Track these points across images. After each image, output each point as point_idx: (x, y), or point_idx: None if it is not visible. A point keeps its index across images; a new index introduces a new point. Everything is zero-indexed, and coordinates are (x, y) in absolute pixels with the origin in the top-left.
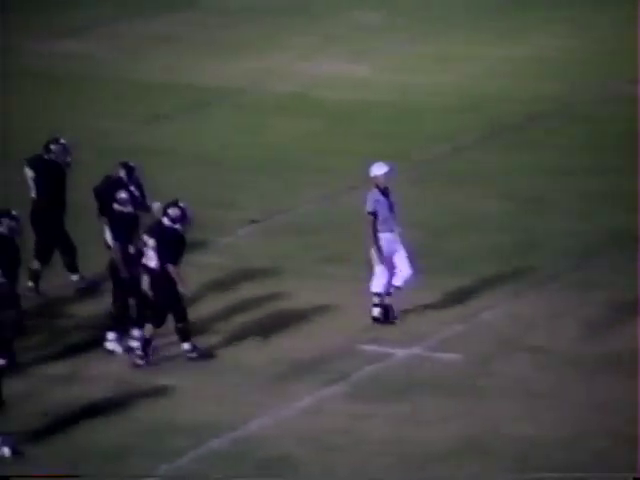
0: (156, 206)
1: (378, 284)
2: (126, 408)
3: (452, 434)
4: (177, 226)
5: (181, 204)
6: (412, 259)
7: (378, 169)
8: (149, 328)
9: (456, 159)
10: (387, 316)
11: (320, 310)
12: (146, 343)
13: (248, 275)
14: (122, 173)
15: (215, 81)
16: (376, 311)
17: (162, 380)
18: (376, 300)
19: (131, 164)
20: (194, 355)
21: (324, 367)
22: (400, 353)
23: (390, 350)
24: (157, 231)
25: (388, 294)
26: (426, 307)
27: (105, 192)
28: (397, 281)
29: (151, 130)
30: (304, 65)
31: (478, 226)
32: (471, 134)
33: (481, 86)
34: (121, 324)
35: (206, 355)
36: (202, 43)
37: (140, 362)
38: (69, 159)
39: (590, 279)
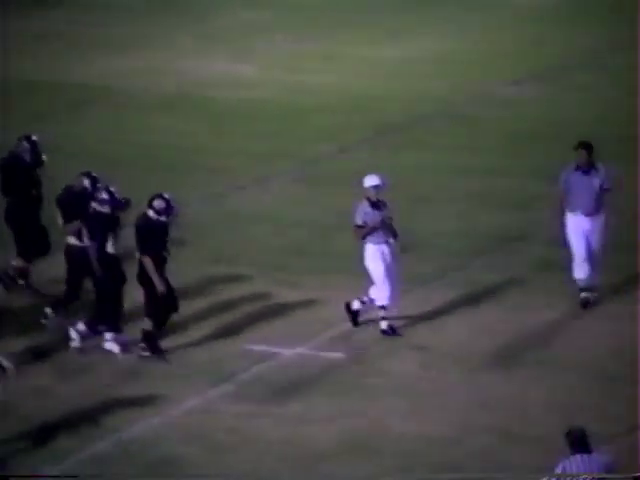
0: None
1: (382, 297)
2: (6, 407)
3: (341, 433)
4: (162, 218)
5: (165, 195)
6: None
7: (367, 181)
8: (148, 322)
9: (341, 159)
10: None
11: (207, 310)
12: (148, 336)
13: (134, 277)
14: (86, 183)
15: (98, 80)
16: (384, 324)
17: (43, 380)
18: (382, 314)
19: (94, 174)
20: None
21: (211, 367)
22: (287, 353)
23: (277, 350)
24: (142, 223)
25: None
26: (313, 307)
27: (70, 202)
28: (381, 300)
29: (32, 129)
30: (189, 64)
31: None
32: (356, 133)
33: (366, 86)
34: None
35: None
36: (84, 41)
37: (146, 354)
38: (40, 158)
39: (474, 278)
